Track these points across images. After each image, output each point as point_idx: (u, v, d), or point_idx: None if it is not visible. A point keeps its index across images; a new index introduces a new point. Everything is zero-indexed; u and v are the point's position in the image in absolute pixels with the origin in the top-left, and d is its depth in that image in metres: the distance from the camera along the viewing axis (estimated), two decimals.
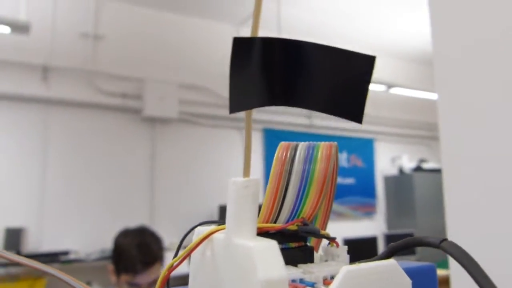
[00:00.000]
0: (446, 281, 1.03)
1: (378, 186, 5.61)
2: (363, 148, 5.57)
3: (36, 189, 3.65)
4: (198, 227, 0.29)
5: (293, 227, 0.29)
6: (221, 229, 0.27)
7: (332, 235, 0.31)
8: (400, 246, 0.29)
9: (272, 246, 0.24)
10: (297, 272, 0.26)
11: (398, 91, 5.10)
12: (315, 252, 0.31)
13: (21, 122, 3.68)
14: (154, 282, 1.29)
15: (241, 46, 0.25)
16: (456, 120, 0.90)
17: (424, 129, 5.87)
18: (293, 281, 0.25)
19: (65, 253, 3.53)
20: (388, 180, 5.58)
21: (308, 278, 0.26)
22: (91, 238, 3.74)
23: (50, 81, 3.80)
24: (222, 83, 4.35)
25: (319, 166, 0.29)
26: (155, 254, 1.52)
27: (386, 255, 0.30)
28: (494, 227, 0.81)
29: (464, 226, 0.87)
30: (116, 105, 4.04)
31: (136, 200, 4.05)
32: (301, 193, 0.29)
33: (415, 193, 5.17)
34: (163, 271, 0.27)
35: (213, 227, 0.28)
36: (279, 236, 0.28)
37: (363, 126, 5.41)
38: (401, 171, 5.45)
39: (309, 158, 0.29)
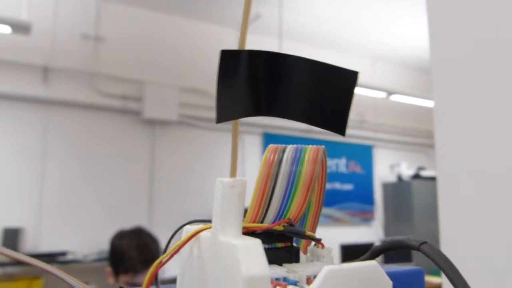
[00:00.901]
0: None
1: (376, 193, 5.61)
2: (362, 155, 5.58)
3: (35, 189, 3.65)
4: (187, 226, 0.30)
5: (279, 227, 0.29)
6: (208, 228, 0.28)
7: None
8: (383, 248, 0.29)
9: (255, 245, 0.24)
10: (281, 271, 0.27)
11: (397, 99, 5.12)
12: (301, 253, 0.32)
13: (20, 123, 3.69)
14: None
15: (228, 59, 0.26)
16: (452, 128, 0.91)
17: (423, 137, 5.88)
18: (277, 279, 0.26)
19: (63, 254, 3.53)
20: (386, 187, 5.59)
21: (291, 277, 0.26)
22: (89, 239, 3.74)
23: (50, 81, 3.82)
24: None
25: (305, 169, 0.30)
26: (154, 253, 1.53)
27: (369, 257, 0.30)
28: (488, 236, 0.81)
29: (458, 234, 0.88)
30: (116, 107, 4.05)
31: (135, 202, 4.05)
32: (287, 194, 0.29)
33: (413, 200, 5.17)
34: (151, 267, 0.28)
35: (201, 225, 0.29)
36: (265, 236, 0.29)
37: (363, 132, 5.43)
38: (399, 178, 5.46)
39: (296, 160, 0.30)
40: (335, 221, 5.17)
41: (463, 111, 0.89)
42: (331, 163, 5.28)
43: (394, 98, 5.08)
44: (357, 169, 5.51)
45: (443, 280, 0.91)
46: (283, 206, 0.29)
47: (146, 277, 0.28)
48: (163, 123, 4.25)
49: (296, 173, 0.30)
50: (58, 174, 3.76)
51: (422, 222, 5.07)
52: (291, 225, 0.30)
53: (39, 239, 3.61)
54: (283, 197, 0.29)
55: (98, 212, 3.83)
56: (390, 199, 5.51)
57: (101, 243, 3.56)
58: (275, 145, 0.31)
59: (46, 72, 3.79)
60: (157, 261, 0.28)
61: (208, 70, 4.35)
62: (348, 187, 5.38)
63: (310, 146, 0.31)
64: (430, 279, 3.03)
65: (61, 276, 0.35)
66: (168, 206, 4.15)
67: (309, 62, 0.29)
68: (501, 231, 0.79)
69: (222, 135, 4.46)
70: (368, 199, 5.53)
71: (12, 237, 3.48)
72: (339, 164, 5.37)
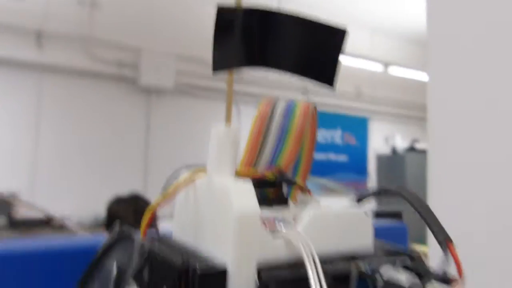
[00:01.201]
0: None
1: (370, 164, 5.67)
2: (357, 126, 5.60)
3: (29, 154, 3.66)
4: (183, 170, 0.32)
5: (270, 175, 0.31)
6: (203, 171, 0.30)
7: None
8: (365, 194, 0.31)
9: (247, 185, 0.26)
10: (270, 212, 0.29)
11: (394, 71, 5.11)
12: (291, 201, 0.34)
13: (14, 88, 3.66)
14: None
15: (224, 15, 0.28)
16: (444, 102, 0.92)
17: (418, 109, 5.90)
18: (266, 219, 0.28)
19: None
20: (380, 158, 5.63)
21: (280, 217, 0.29)
22: (84, 204, 3.78)
23: (44, 47, 3.77)
24: None
25: (296, 121, 0.31)
26: None
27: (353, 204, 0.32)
28: (477, 212, 0.84)
29: (445, 203, 0.90)
30: (111, 74, 4.02)
31: (130, 169, 4.08)
32: (279, 143, 0.31)
33: (407, 172, 5.22)
34: (149, 208, 0.30)
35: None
36: (257, 182, 0.31)
37: (358, 104, 5.43)
38: (393, 150, 5.50)
39: (288, 113, 0.32)
40: (329, 191, 5.23)
41: (456, 85, 0.90)
42: (326, 135, 5.30)
43: (392, 71, 5.06)
44: (352, 140, 5.55)
45: (429, 248, 0.95)
46: (275, 154, 0.31)
47: (144, 218, 0.30)
48: (159, 91, 4.24)
49: (287, 125, 0.31)
50: (53, 140, 3.76)
51: None
52: (281, 173, 0.32)
53: (33, 204, 3.64)
54: (275, 145, 0.31)
55: (92, 178, 3.86)
56: (384, 171, 5.56)
57: (96, 209, 3.60)
58: (269, 98, 0.32)
59: (40, 36, 3.74)
60: (156, 202, 0.30)
61: (205, 38, 4.26)
62: (342, 158, 5.43)
63: (302, 101, 0.33)
64: (416, 248, 3.10)
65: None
66: (163, 175, 4.12)
67: (300, 19, 0.30)
68: (489, 201, 0.82)
69: (219, 104, 4.45)
70: (362, 170, 5.59)
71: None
72: (334, 136, 5.40)
